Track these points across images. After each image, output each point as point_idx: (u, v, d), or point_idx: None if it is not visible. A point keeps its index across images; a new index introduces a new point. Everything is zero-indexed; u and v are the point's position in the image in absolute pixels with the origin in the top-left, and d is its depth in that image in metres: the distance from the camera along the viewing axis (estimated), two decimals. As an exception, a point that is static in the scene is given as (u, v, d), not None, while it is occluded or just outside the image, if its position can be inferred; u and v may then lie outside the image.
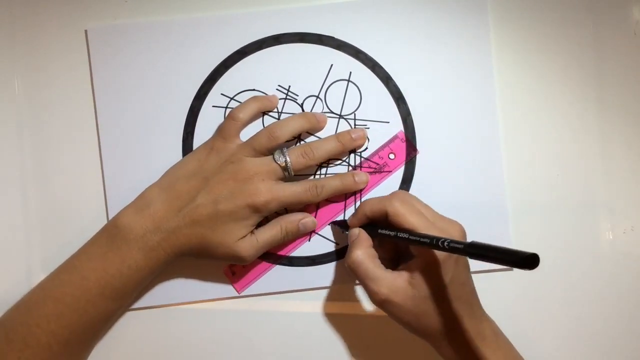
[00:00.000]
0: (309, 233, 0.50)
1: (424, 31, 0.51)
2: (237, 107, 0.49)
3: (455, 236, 0.43)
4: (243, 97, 0.50)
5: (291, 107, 0.50)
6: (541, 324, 0.51)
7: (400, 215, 0.44)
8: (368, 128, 0.51)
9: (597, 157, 0.51)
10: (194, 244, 0.46)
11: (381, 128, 0.51)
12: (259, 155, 0.47)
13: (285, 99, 0.50)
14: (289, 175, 0.47)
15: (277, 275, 0.50)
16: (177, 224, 0.46)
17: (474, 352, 0.43)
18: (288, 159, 0.47)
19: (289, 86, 0.50)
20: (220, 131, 0.48)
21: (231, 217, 0.46)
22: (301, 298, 0.51)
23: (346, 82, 0.51)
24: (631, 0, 0.52)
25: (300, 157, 0.47)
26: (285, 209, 0.50)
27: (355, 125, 0.51)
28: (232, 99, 0.50)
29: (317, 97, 0.51)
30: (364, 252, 0.45)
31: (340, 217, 0.50)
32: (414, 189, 0.50)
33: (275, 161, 0.47)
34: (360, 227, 0.47)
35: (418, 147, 0.51)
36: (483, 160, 0.50)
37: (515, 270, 0.50)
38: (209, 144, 0.48)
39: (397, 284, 0.43)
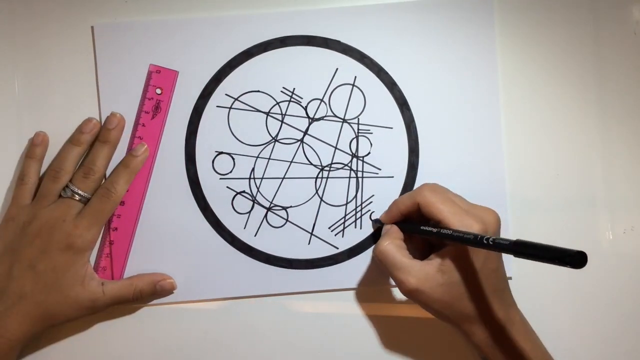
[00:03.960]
0: (168, 295, 0.50)
1: (429, 38, 0.51)
2: (20, 173, 0.49)
3: (492, 223, 0.44)
4: (247, 98, 0.50)
5: (295, 110, 0.50)
6: (541, 324, 0.51)
7: (431, 205, 0.44)
8: (372, 133, 0.51)
9: (597, 157, 0.52)
10: (35, 316, 0.46)
11: (384, 134, 0.51)
12: (55, 199, 0.47)
13: (290, 101, 0.50)
14: (86, 198, 0.48)
15: (276, 277, 0.50)
16: (7, 307, 0.45)
17: (504, 338, 0.44)
18: (74, 189, 0.47)
19: (294, 88, 0.50)
20: (12, 199, 0.48)
21: (56, 272, 0.46)
22: (300, 301, 0.51)
23: (351, 86, 0.51)
24: (631, 0, 0.52)
25: (84, 179, 0.48)
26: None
27: (358, 129, 0.51)
28: (236, 99, 0.50)
29: (322, 100, 0.51)
30: (391, 243, 0.45)
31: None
32: (415, 195, 0.50)
33: (65, 197, 0.47)
34: (395, 224, 0.48)
35: (421, 154, 0.51)
36: (485, 167, 0.51)
37: (515, 270, 0.50)
38: (5, 217, 0.48)
39: (425, 272, 0.43)
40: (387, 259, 0.44)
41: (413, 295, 0.44)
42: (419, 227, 0.45)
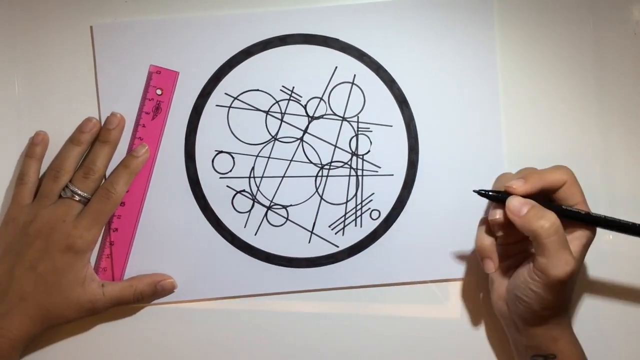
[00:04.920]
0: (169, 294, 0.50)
1: (429, 36, 0.51)
2: (20, 172, 0.49)
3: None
4: (247, 97, 0.50)
5: (295, 108, 0.50)
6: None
7: (577, 185, 0.44)
8: (371, 131, 0.51)
9: (597, 157, 0.52)
10: (36, 317, 0.46)
11: (384, 132, 0.51)
12: (55, 200, 0.47)
13: (289, 99, 0.50)
14: (86, 198, 0.48)
15: (277, 276, 0.50)
16: (8, 307, 0.46)
17: (571, 333, 0.45)
18: (74, 189, 0.47)
19: (293, 87, 0.50)
20: (13, 199, 0.48)
21: (57, 273, 0.46)
22: (300, 299, 0.51)
23: (350, 84, 0.51)
24: (631, 0, 0.52)
25: (84, 179, 0.48)
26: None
27: (358, 128, 0.51)
28: (235, 98, 0.50)
29: (321, 98, 0.51)
30: (558, 218, 0.42)
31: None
32: (415, 193, 0.51)
33: (65, 198, 0.47)
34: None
35: (420, 151, 0.51)
36: (486, 165, 0.51)
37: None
38: (5, 217, 0.48)
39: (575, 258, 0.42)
40: (559, 234, 0.41)
41: (570, 277, 0.41)
42: (563, 208, 0.43)
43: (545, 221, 0.41)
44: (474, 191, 0.45)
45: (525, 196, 0.43)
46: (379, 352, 0.51)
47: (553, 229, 0.41)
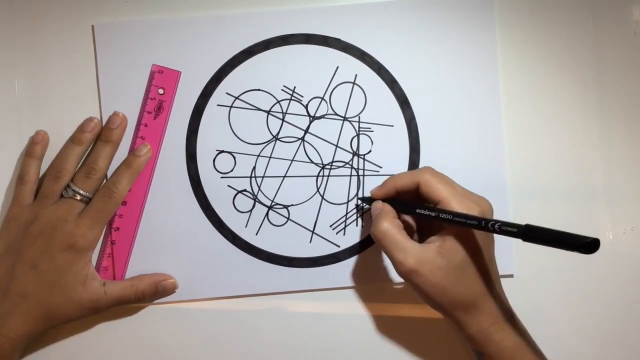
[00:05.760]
0: (170, 294, 0.50)
1: (430, 35, 0.51)
2: (20, 172, 0.49)
3: (488, 210, 0.44)
4: (248, 97, 0.50)
5: (296, 108, 0.51)
6: (540, 324, 0.51)
7: (433, 185, 0.44)
8: (372, 131, 0.51)
9: (597, 157, 0.52)
10: (37, 316, 0.46)
11: (385, 131, 0.51)
12: (57, 199, 0.47)
13: (291, 99, 0.51)
14: (88, 198, 0.48)
15: (278, 275, 0.50)
16: (9, 306, 0.46)
17: (499, 330, 0.43)
18: (75, 189, 0.47)
19: (294, 87, 0.51)
20: (13, 199, 0.48)
21: (58, 272, 0.46)
22: (301, 299, 0.51)
23: (351, 84, 0.51)
24: (631, 0, 0.52)
25: (85, 178, 0.48)
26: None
27: (359, 128, 0.51)
28: (237, 98, 0.50)
29: (322, 98, 0.51)
30: (391, 222, 0.45)
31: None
32: (416, 193, 0.51)
33: (66, 197, 0.47)
34: (386, 202, 0.47)
35: (421, 151, 0.51)
36: (486, 165, 0.51)
37: (515, 269, 0.51)
38: (6, 217, 0.48)
39: (425, 254, 0.43)
40: (387, 239, 0.44)
41: (411, 276, 0.43)
42: (415, 209, 0.45)
43: (375, 229, 0.45)
44: (359, 198, 0.51)
45: (386, 198, 0.48)
46: (379, 352, 0.51)
47: (380, 235, 0.44)
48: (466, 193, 0.45)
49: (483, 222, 0.39)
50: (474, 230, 0.43)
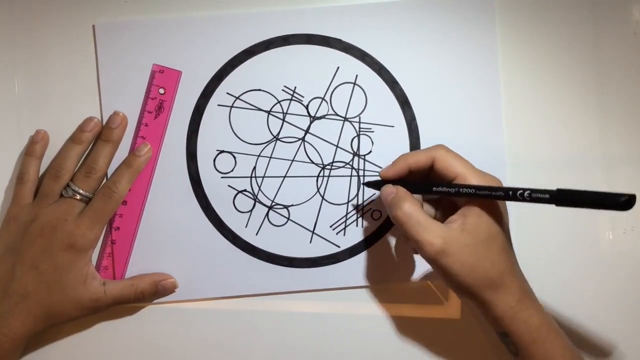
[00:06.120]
0: (170, 294, 0.50)
1: (430, 36, 0.51)
2: (20, 171, 0.49)
3: (500, 184, 0.43)
4: (249, 97, 0.50)
5: (297, 109, 0.51)
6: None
7: (448, 160, 0.43)
8: (373, 132, 0.51)
9: (597, 157, 0.52)
10: (37, 315, 0.46)
11: (386, 132, 0.51)
12: (56, 199, 0.47)
13: (291, 99, 0.51)
14: (88, 197, 0.48)
15: (278, 276, 0.50)
16: (9, 306, 0.46)
17: (531, 308, 0.42)
18: (75, 188, 0.47)
19: (295, 87, 0.51)
20: (13, 198, 0.48)
21: (58, 271, 0.46)
22: (301, 299, 0.51)
23: (352, 84, 0.51)
24: (631, 0, 0.52)
25: (85, 178, 0.48)
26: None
27: (359, 128, 0.51)
28: (237, 98, 0.50)
29: (323, 99, 0.51)
30: (412, 203, 0.43)
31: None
32: (416, 194, 0.51)
33: (66, 197, 0.47)
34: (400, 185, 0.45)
35: (422, 151, 0.51)
36: (487, 165, 0.50)
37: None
38: (6, 217, 0.48)
39: (451, 233, 0.41)
40: (412, 221, 0.42)
41: (439, 257, 0.41)
42: (431, 187, 0.44)
43: (398, 210, 0.43)
44: (363, 184, 0.50)
45: (396, 179, 0.45)
46: (379, 352, 0.51)
47: (405, 217, 0.42)
48: (479, 170, 0.44)
49: (511, 192, 0.37)
50: (495, 203, 0.41)
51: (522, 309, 0.42)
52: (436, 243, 0.41)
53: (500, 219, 0.42)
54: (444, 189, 0.42)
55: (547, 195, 0.35)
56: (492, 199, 0.40)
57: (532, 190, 0.36)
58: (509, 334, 0.42)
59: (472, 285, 0.41)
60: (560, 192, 0.35)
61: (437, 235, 0.41)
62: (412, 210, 0.42)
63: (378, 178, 0.48)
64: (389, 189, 0.45)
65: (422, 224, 0.42)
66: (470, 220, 0.42)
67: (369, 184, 0.50)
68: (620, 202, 0.32)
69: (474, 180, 0.42)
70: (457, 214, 0.43)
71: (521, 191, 0.36)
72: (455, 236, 0.41)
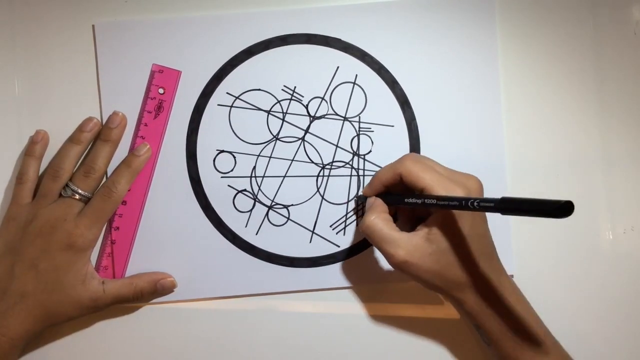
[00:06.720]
0: (168, 294, 0.50)
1: (430, 36, 0.51)
2: (19, 171, 0.48)
3: (475, 188, 0.44)
4: (248, 96, 0.50)
5: (296, 108, 0.51)
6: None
7: (413, 174, 0.44)
8: (373, 131, 0.51)
9: (597, 157, 0.52)
10: (37, 315, 0.46)
11: (385, 132, 0.51)
12: (55, 198, 0.47)
13: (291, 99, 0.51)
14: (87, 197, 0.48)
15: (278, 275, 0.50)
16: (9, 306, 0.46)
17: (496, 304, 0.44)
18: (74, 188, 0.47)
19: (295, 87, 0.51)
20: (12, 198, 0.48)
21: (57, 271, 0.46)
22: (301, 299, 0.51)
23: (352, 84, 0.51)
24: (631, 0, 0.52)
25: (84, 178, 0.48)
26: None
27: (359, 128, 0.51)
28: (237, 97, 0.50)
29: (322, 98, 0.51)
30: (377, 216, 0.45)
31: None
32: (416, 193, 0.51)
33: (65, 197, 0.47)
34: (378, 197, 0.48)
35: (422, 152, 0.51)
36: (487, 166, 0.51)
37: (516, 269, 0.51)
38: (5, 216, 0.48)
39: (413, 243, 0.43)
40: (374, 233, 0.45)
41: (403, 267, 0.44)
42: (403, 199, 0.45)
43: (362, 224, 0.46)
44: (357, 197, 0.51)
45: (380, 194, 0.48)
46: (379, 352, 0.51)
47: (367, 230, 0.45)
48: (451, 175, 0.45)
49: (463, 201, 0.39)
50: (457, 211, 0.43)
51: (494, 304, 0.44)
52: (397, 254, 0.43)
53: (465, 225, 0.43)
54: (413, 201, 0.44)
55: (492, 204, 0.37)
56: (450, 208, 0.42)
57: (481, 200, 0.38)
58: (480, 326, 0.45)
59: (440, 287, 0.44)
60: (502, 200, 0.36)
61: (400, 247, 0.43)
62: (375, 222, 0.45)
63: None
64: (369, 200, 0.48)
65: (383, 237, 0.44)
66: (434, 229, 0.43)
67: (360, 199, 0.51)
68: (555, 208, 0.32)
69: (440, 190, 0.43)
70: (423, 223, 0.45)
71: (472, 200, 0.38)
72: (420, 245, 0.43)
